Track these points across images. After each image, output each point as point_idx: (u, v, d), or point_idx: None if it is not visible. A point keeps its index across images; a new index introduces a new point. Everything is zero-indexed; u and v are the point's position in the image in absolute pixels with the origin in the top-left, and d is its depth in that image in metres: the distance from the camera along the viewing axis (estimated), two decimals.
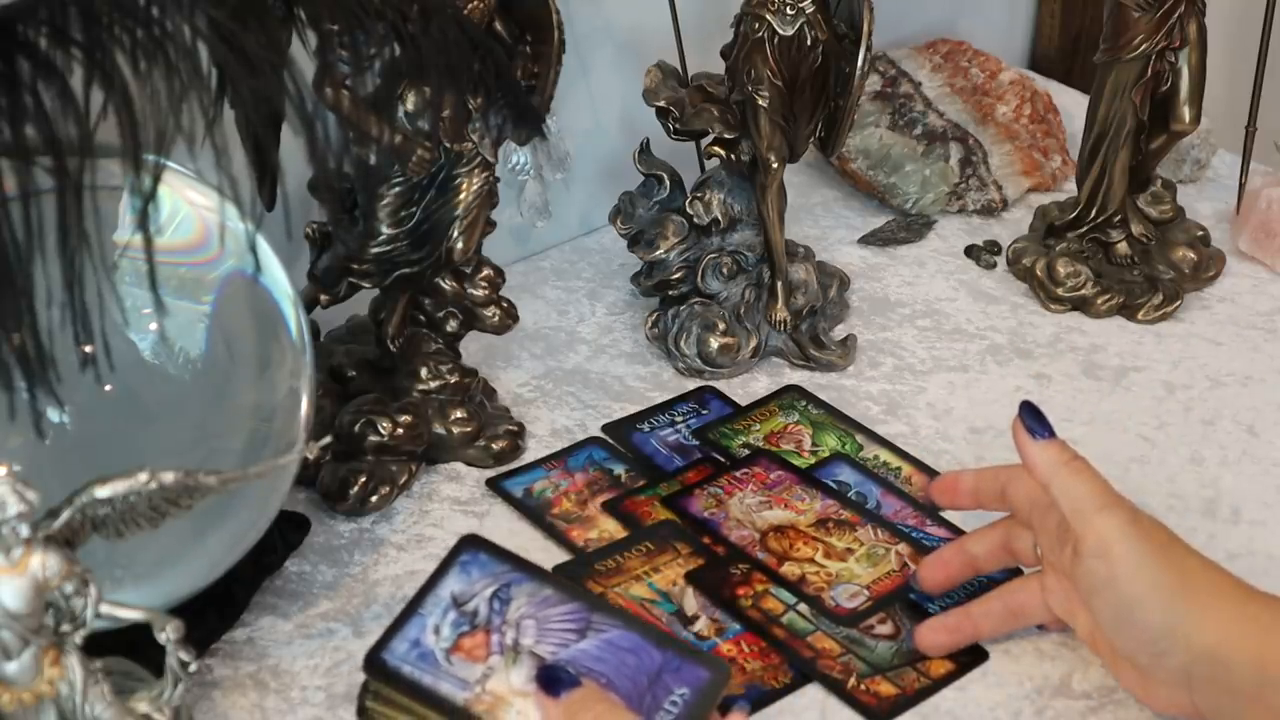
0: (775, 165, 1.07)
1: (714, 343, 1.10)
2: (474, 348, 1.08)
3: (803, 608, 0.92)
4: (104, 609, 0.72)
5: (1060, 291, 1.18)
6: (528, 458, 1.03)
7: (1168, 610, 0.81)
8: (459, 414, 1.01)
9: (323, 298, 1.01)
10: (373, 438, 0.99)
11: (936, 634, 0.89)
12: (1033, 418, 0.86)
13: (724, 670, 0.81)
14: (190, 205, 0.83)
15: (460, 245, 0.99)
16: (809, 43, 1.05)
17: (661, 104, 1.10)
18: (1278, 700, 0.78)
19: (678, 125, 1.10)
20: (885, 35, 1.19)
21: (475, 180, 0.98)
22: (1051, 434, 0.86)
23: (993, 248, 1.25)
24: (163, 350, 0.83)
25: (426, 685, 0.80)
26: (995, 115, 1.33)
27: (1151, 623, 0.81)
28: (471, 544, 0.86)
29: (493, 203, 1.00)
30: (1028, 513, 0.88)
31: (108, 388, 0.79)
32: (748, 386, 1.10)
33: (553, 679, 0.78)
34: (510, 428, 1.03)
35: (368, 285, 1.01)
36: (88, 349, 0.72)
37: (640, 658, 0.81)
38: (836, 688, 0.87)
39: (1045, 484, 0.85)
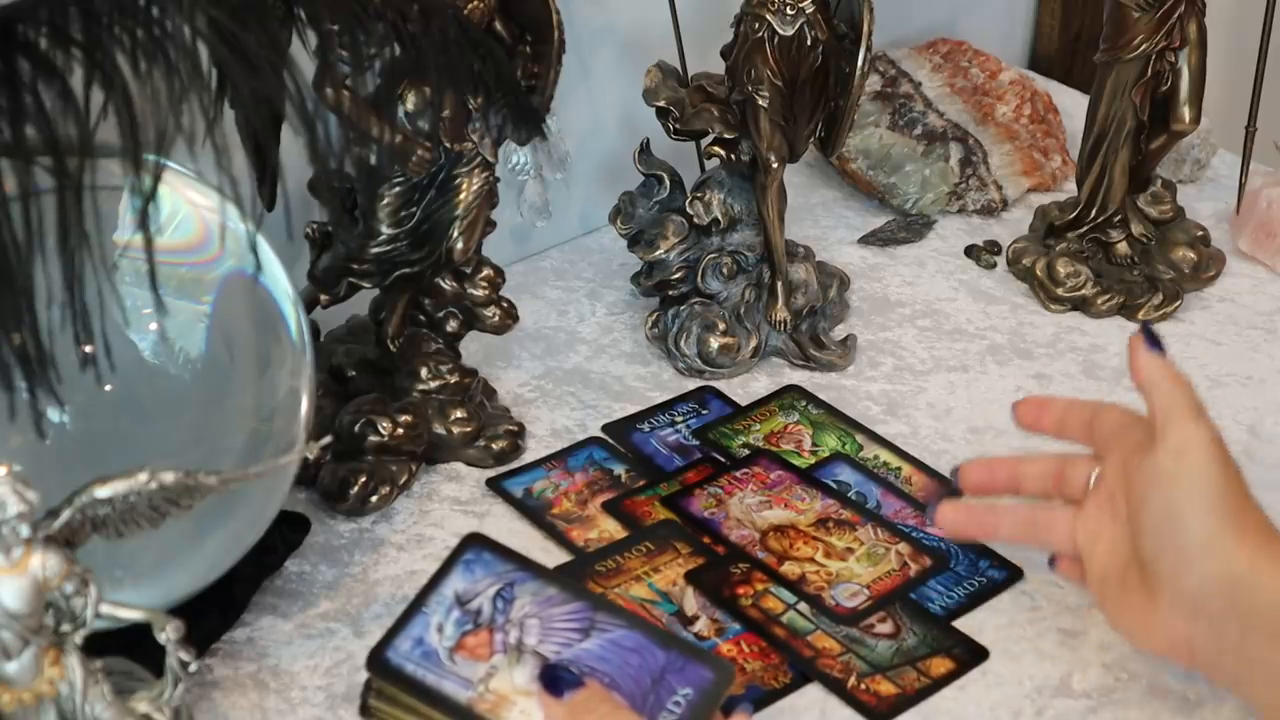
0: (775, 165, 1.07)
1: (714, 343, 1.10)
2: (474, 348, 1.08)
3: (803, 607, 0.92)
4: (104, 609, 0.72)
5: (1060, 291, 1.18)
6: (528, 458, 1.03)
7: (1214, 523, 0.81)
8: (459, 414, 1.01)
9: (323, 298, 1.01)
10: (373, 438, 0.99)
11: (956, 513, 0.91)
12: (1151, 338, 0.87)
13: (728, 670, 0.81)
14: (190, 205, 0.83)
15: (460, 245, 0.99)
16: (809, 43, 1.05)
17: (661, 104, 1.10)
18: None
19: (678, 125, 1.10)
20: (885, 35, 1.19)
21: (475, 180, 0.98)
22: (1165, 354, 0.87)
23: (993, 248, 1.25)
24: (163, 350, 0.83)
25: (430, 684, 0.80)
26: (995, 115, 1.33)
27: (1194, 531, 0.82)
28: (475, 542, 0.86)
29: (493, 203, 1.00)
30: (1107, 439, 0.88)
31: (108, 388, 0.79)
32: (748, 386, 1.10)
33: (556, 678, 0.78)
34: (510, 428, 1.03)
35: (368, 285, 1.01)
36: (88, 349, 0.72)
37: (644, 657, 0.81)
38: (836, 687, 0.87)
39: (1147, 387, 0.86)
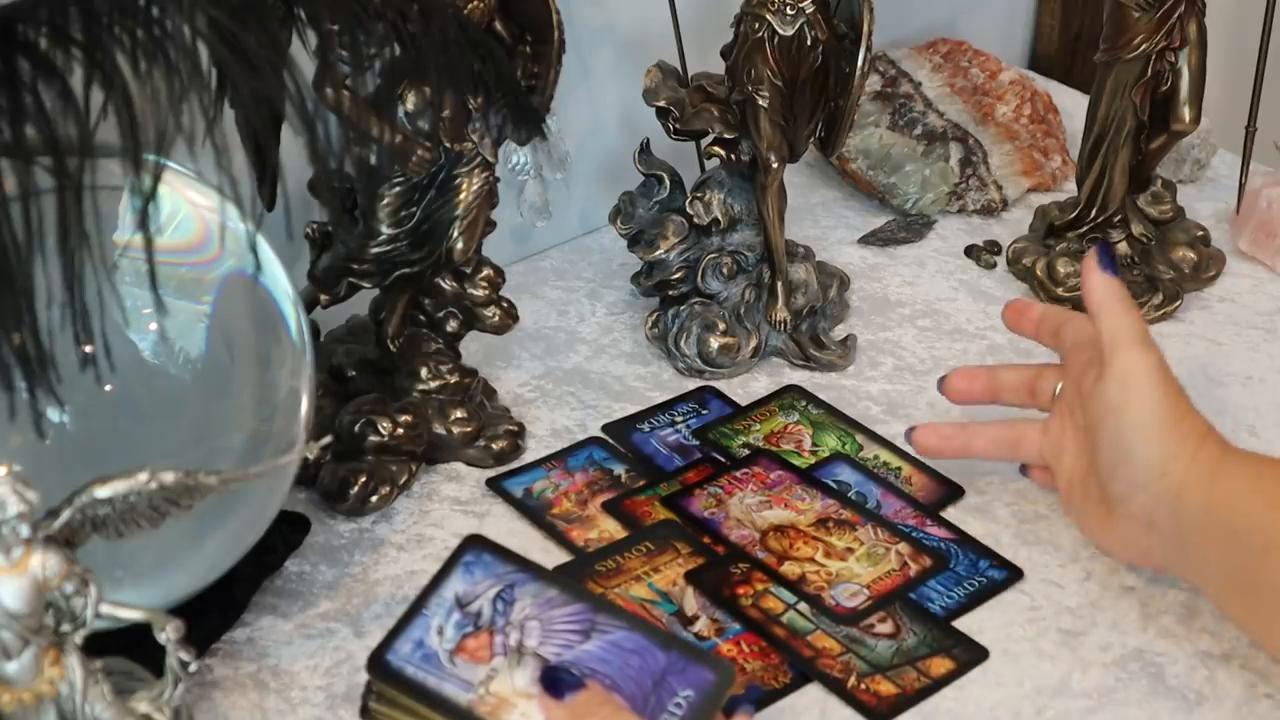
0: (775, 165, 1.07)
1: (714, 343, 1.10)
2: (474, 348, 1.08)
3: (803, 607, 0.92)
4: (104, 609, 0.72)
5: (1060, 291, 1.18)
6: (528, 458, 1.03)
7: (1157, 446, 0.86)
8: (459, 414, 1.01)
9: (323, 298, 1.01)
10: (373, 438, 0.99)
11: (929, 436, 0.98)
12: (1105, 256, 0.92)
13: (729, 672, 0.81)
14: (190, 205, 0.83)
15: (460, 245, 0.99)
16: (809, 43, 1.05)
17: (661, 104, 1.10)
18: (1220, 539, 0.84)
19: (678, 125, 1.10)
20: (885, 35, 1.19)
21: (475, 180, 0.98)
22: (1117, 275, 0.91)
23: (993, 248, 1.25)
24: (163, 350, 0.83)
25: (430, 687, 0.80)
26: (995, 115, 1.33)
27: (1141, 454, 0.86)
28: (475, 544, 0.86)
29: (493, 203, 1.00)
30: (1069, 350, 0.94)
31: (108, 388, 0.79)
32: (748, 386, 1.10)
33: (557, 681, 0.78)
34: (510, 428, 1.03)
35: (368, 285, 1.01)
36: (88, 349, 0.72)
37: (645, 659, 0.81)
38: (836, 687, 0.87)
39: (1096, 309, 0.90)
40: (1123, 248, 1.19)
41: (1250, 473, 0.86)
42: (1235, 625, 0.88)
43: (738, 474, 1.01)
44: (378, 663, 0.81)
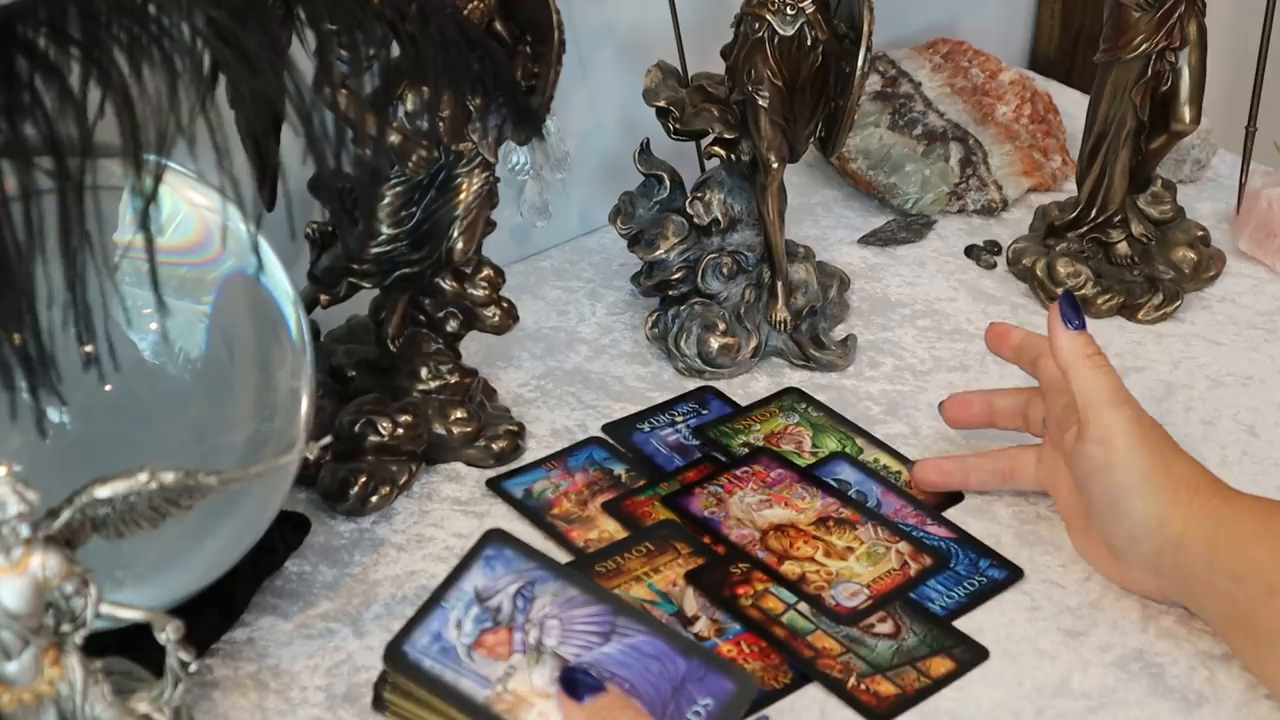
0: (775, 165, 1.07)
1: (714, 343, 1.10)
2: (474, 348, 1.08)
3: (803, 607, 0.92)
4: (104, 609, 0.72)
5: (1060, 291, 1.18)
6: (528, 458, 1.03)
7: (1150, 501, 0.87)
8: (459, 414, 1.01)
9: (323, 298, 1.01)
10: (373, 438, 0.99)
11: (929, 472, 1.00)
12: (1070, 307, 0.92)
13: (749, 683, 0.81)
14: (190, 205, 0.83)
15: (460, 245, 0.99)
16: (809, 43, 1.05)
17: (661, 104, 1.10)
18: (1224, 585, 0.86)
19: (678, 125, 1.10)
20: (885, 35, 1.19)
21: (475, 180, 0.98)
22: (1082, 326, 0.91)
23: (993, 248, 1.25)
24: (163, 350, 0.83)
25: (447, 681, 0.80)
26: (995, 115, 1.33)
27: (1134, 510, 0.88)
28: (496, 538, 0.85)
29: (493, 203, 1.00)
30: (1046, 388, 0.95)
31: (108, 388, 0.79)
32: (748, 386, 1.10)
33: (576, 682, 0.78)
34: (510, 428, 1.03)
35: (368, 285, 1.01)
36: (89, 349, 0.72)
37: (665, 665, 0.80)
38: (836, 687, 0.87)
39: (1064, 369, 0.91)
40: (1123, 248, 1.19)
41: (1254, 517, 0.86)
42: (1240, 662, 0.88)
43: (738, 472, 1.01)
44: (395, 653, 0.81)
